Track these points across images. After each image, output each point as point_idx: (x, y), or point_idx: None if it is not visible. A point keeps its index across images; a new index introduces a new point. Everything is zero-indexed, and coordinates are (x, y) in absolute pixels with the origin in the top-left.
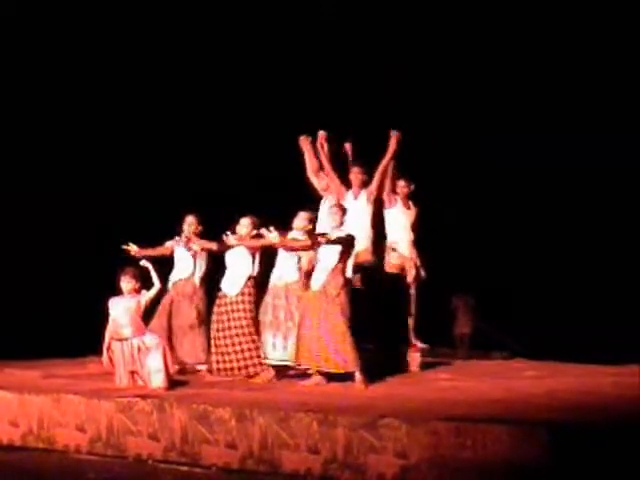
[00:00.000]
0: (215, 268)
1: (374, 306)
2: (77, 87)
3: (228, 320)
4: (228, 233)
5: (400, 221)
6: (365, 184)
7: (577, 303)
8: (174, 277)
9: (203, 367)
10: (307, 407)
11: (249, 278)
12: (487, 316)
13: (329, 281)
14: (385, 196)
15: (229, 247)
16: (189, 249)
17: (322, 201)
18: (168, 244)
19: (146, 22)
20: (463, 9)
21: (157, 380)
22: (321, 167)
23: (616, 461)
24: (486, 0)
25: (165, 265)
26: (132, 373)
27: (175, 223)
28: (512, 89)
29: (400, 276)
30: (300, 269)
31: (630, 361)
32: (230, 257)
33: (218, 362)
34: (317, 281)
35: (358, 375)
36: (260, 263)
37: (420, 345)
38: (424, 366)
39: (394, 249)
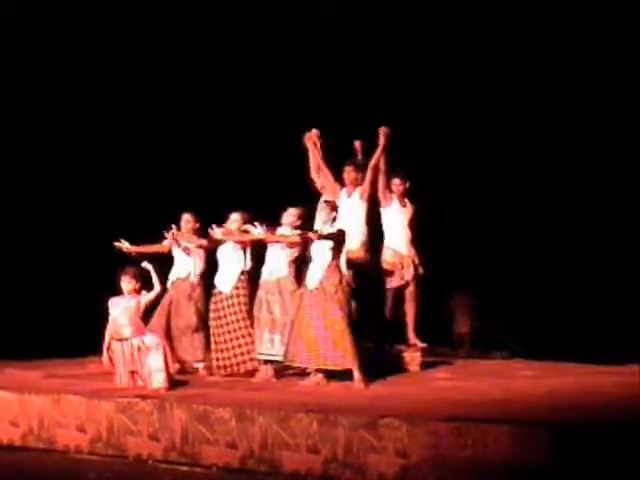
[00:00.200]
0: (210, 266)
1: (367, 304)
2: (77, 87)
3: (225, 317)
4: (214, 226)
5: (397, 219)
6: (358, 182)
7: (577, 303)
8: (172, 276)
9: (201, 365)
10: (307, 407)
11: (242, 273)
12: (487, 316)
13: (326, 278)
14: (380, 195)
15: (219, 243)
16: (178, 246)
17: (321, 199)
18: (166, 242)
19: (146, 23)
20: (463, 9)
21: (157, 380)
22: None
23: (616, 460)
24: (486, 0)
25: (166, 265)
26: (132, 373)
27: (175, 223)
28: (512, 89)
29: (384, 274)
30: (290, 264)
31: (630, 361)
32: (222, 254)
33: (218, 359)
34: (313, 279)
35: (357, 373)
36: (252, 258)
37: (420, 344)
38: (424, 366)
39: (392, 248)
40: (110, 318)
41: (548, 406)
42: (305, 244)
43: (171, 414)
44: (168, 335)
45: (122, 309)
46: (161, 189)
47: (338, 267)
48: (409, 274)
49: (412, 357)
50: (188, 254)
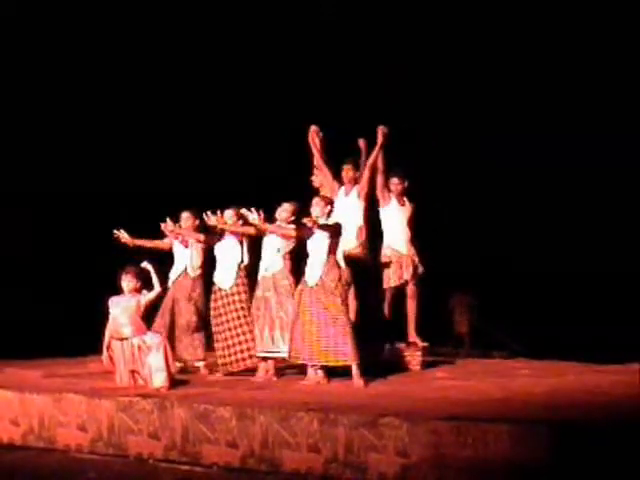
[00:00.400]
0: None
1: (366, 303)
2: (77, 87)
3: (225, 314)
4: (209, 213)
5: (396, 218)
6: (356, 180)
7: (577, 303)
8: (173, 275)
9: (201, 364)
10: (308, 406)
11: (240, 268)
12: (487, 316)
13: (326, 274)
14: (379, 194)
15: (217, 237)
16: (176, 237)
17: None
18: (167, 239)
19: (146, 23)
20: (462, 9)
21: (158, 379)
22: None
23: (616, 459)
24: (486, 0)
25: (166, 265)
26: (132, 372)
27: (175, 222)
28: (512, 89)
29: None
30: (285, 257)
31: (630, 361)
32: (219, 250)
33: (220, 357)
34: (313, 276)
35: (355, 369)
36: (250, 256)
37: (420, 343)
38: (424, 365)
39: (391, 247)
40: (110, 317)
41: (548, 405)
42: (301, 237)
43: (172, 413)
44: (171, 334)
45: (122, 308)
46: (161, 189)
47: (336, 262)
48: (408, 273)
49: (413, 356)
50: (186, 246)
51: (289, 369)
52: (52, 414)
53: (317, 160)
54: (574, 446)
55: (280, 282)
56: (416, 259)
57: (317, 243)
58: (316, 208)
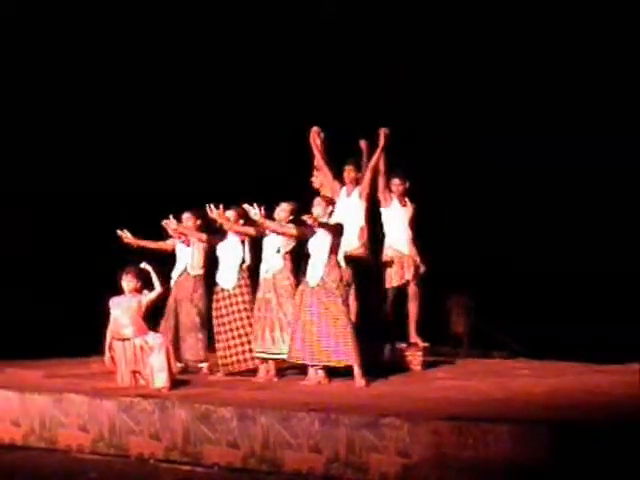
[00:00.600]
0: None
1: (368, 303)
2: (77, 87)
3: (227, 314)
4: (212, 206)
5: (397, 219)
6: (358, 181)
7: (577, 303)
8: (175, 275)
9: (204, 365)
10: (309, 406)
11: (242, 268)
12: (487, 316)
13: (327, 274)
14: (380, 195)
15: (219, 237)
16: (177, 236)
17: None
18: (170, 240)
19: (146, 23)
20: (462, 9)
21: (160, 380)
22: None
23: (616, 460)
24: (486, 0)
25: (166, 265)
26: (134, 373)
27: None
28: (512, 89)
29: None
30: (285, 258)
31: (630, 361)
32: (221, 250)
33: (222, 357)
34: (314, 276)
35: (357, 369)
36: (252, 257)
37: (421, 344)
38: (425, 365)
39: (392, 247)
40: (111, 318)
41: (548, 405)
42: (302, 236)
43: (173, 413)
44: (175, 335)
45: (123, 309)
46: (161, 189)
47: (337, 263)
48: (410, 273)
49: (414, 356)
50: (188, 245)
51: (290, 369)
52: (53, 414)
53: (318, 161)
54: (574, 446)
55: (280, 283)
56: (417, 259)
57: (318, 243)
58: (317, 208)
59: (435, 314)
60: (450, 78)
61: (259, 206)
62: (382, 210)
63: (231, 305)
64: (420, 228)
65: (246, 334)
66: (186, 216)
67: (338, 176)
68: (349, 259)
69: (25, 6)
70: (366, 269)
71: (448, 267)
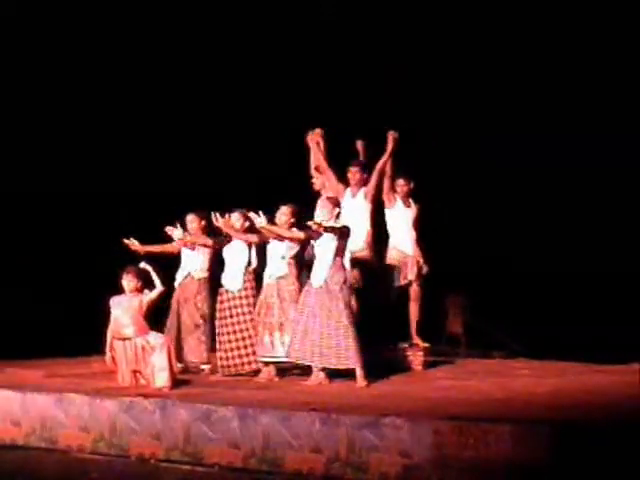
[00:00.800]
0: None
1: (373, 304)
2: (77, 87)
3: (231, 316)
4: (217, 214)
5: (401, 220)
6: (363, 182)
7: (577, 303)
8: (179, 276)
9: (206, 367)
10: (310, 406)
11: (248, 270)
12: (487, 316)
13: (331, 276)
14: (384, 196)
15: (225, 240)
16: (186, 246)
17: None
18: (175, 243)
19: (146, 23)
20: (462, 9)
21: (161, 379)
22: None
23: (617, 460)
24: (486, 0)
25: (166, 265)
26: (134, 372)
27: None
28: (512, 89)
29: (391, 272)
30: (290, 264)
31: (630, 361)
32: (228, 252)
33: (222, 359)
34: (318, 278)
35: (359, 372)
36: (258, 260)
37: (422, 344)
38: (426, 365)
39: (397, 248)
40: (112, 317)
41: (549, 405)
42: (307, 241)
43: (173, 413)
44: (178, 336)
45: (124, 308)
46: (161, 189)
47: (343, 265)
48: (413, 273)
49: (415, 356)
50: (193, 249)
51: (291, 370)
52: (54, 414)
53: (321, 163)
54: (575, 446)
55: (285, 287)
56: (421, 260)
57: (324, 245)
58: (324, 210)
59: (432, 314)
60: (450, 78)
61: (264, 214)
62: (386, 211)
63: (235, 307)
64: (420, 228)
65: (249, 337)
66: (190, 218)
67: (342, 178)
68: (354, 261)
69: (25, 6)
70: (370, 270)
71: (448, 267)
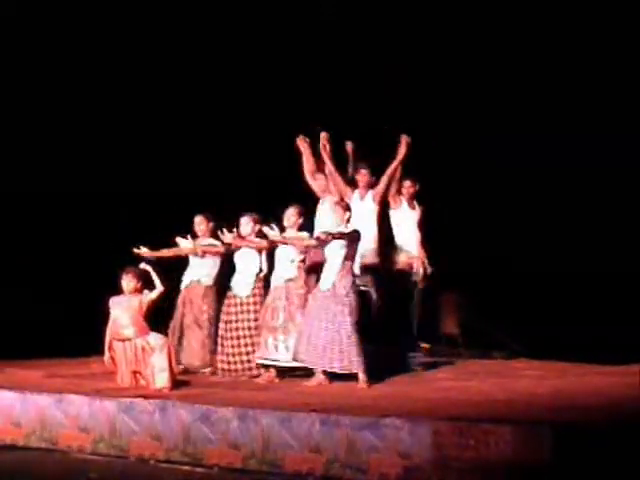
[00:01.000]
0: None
1: (382, 308)
2: (77, 87)
3: (236, 321)
4: (224, 230)
5: (406, 221)
6: (371, 185)
7: (577, 303)
8: (187, 279)
9: (208, 370)
10: (310, 407)
11: (259, 277)
12: (487, 316)
13: (339, 280)
14: (390, 197)
15: (235, 247)
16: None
17: (320, 202)
18: (182, 246)
19: (146, 23)
20: (462, 9)
21: (161, 380)
22: (318, 168)
23: (617, 460)
24: (486, 0)
25: (168, 267)
26: (134, 373)
27: (177, 223)
28: (512, 89)
29: (408, 275)
30: (299, 267)
31: (630, 361)
32: (238, 257)
33: (222, 362)
34: (326, 281)
35: (362, 376)
36: (268, 266)
37: (422, 344)
38: (426, 366)
39: (402, 249)
40: (111, 318)
41: (550, 406)
42: (322, 245)
43: (173, 414)
44: (180, 338)
45: (123, 309)
46: (161, 189)
47: (351, 269)
48: (418, 275)
49: (415, 357)
50: (203, 256)
51: (291, 371)
52: (53, 415)
53: (328, 166)
54: (576, 447)
55: (294, 291)
56: (426, 261)
57: (334, 249)
58: (335, 215)
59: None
60: (450, 78)
61: (277, 225)
62: (391, 212)
63: (242, 313)
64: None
65: (252, 344)
66: (198, 220)
67: (350, 181)
68: (364, 266)
69: (25, 6)
70: (376, 272)
71: (447, 267)
